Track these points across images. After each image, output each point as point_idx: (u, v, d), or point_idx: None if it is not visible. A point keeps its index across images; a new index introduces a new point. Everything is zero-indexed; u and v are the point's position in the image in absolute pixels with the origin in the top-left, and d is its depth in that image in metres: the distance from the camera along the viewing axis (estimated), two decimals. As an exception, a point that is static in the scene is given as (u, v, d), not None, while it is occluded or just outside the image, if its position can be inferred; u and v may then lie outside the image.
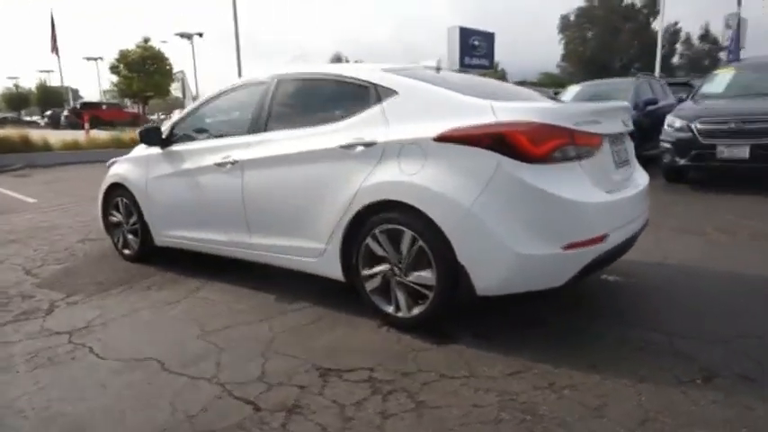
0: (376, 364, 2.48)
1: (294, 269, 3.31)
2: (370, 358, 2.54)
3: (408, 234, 2.67)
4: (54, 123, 29.44)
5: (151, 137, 3.96)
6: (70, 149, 13.68)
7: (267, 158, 3.24)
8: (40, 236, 5.52)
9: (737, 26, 13.25)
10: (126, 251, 4.44)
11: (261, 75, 3.58)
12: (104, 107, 28.80)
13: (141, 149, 4.31)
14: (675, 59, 50.03)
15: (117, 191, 4.41)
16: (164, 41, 20.25)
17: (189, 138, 3.93)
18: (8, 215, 6.77)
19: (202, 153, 3.70)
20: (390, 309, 2.83)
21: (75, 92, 54.42)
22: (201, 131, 3.93)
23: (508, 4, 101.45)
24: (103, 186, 4.56)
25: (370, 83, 2.94)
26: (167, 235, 4.06)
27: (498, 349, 2.56)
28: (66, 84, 37.68)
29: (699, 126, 6.16)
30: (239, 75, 18.56)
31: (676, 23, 48.93)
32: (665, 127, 6.50)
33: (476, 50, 17.88)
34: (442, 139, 2.55)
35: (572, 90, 9.70)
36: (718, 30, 44.67)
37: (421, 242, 2.63)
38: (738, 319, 2.81)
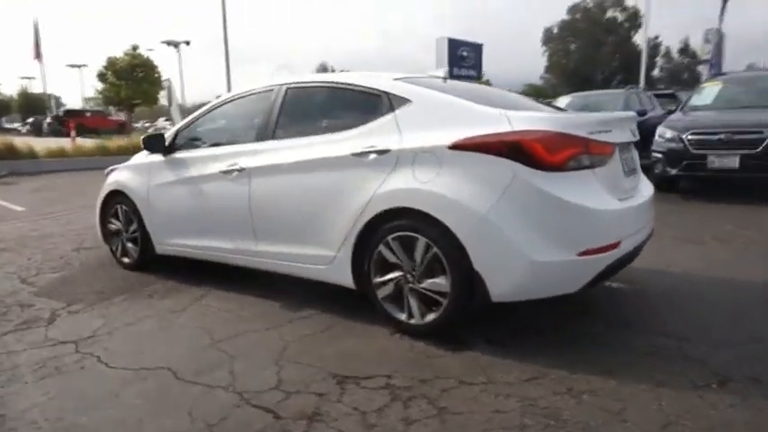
0: (392, 371, 2.47)
1: (302, 277, 3.30)
2: (385, 365, 2.53)
3: (422, 241, 2.68)
4: (36, 131, 28.96)
5: (154, 144, 3.93)
6: (56, 157, 13.45)
7: (276, 166, 3.24)
8: (32, 244, 5.41)
9: (720, 39, 13.62)
10: (125, 259, 4.37)
11: (267, 83, 3.58)
12: (88, 114, 28.45)
13: (142, 157, 4.27)
14: (656, 72, 51.08)
15: (116, 198, 4.36)
16: (150, 49, 20.01)
17: (192, 145, 3.91)
18: (-3, 223, 6.63)
19: (207, 160, 3.67)
20: (403, 316, 2.83)
21: (57, 99, 53.68)
22: (206, 139, 3.91)
23: (493, 16, 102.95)
24: (102, 194, 4.50)
25: (383, 91, 2.96)
26: (169, 243, 4.01)
27: (513, 355, 2.57)
28: (47, 91, 37.28)
29: (690, 137, 6.30)
30: (228, 83, 18.53)
31: (657, 37, 50.01)
32: (657, 138, 6.63)
33: (464, 61, 18.09)
34: (458, 147, 2.57)
35: (562, 101, 9.86)
36: (696, 44, 45.84)
37: (435, 249, 2.64)
38: (744, 325, 2.87)
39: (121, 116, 29.67)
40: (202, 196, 3.68)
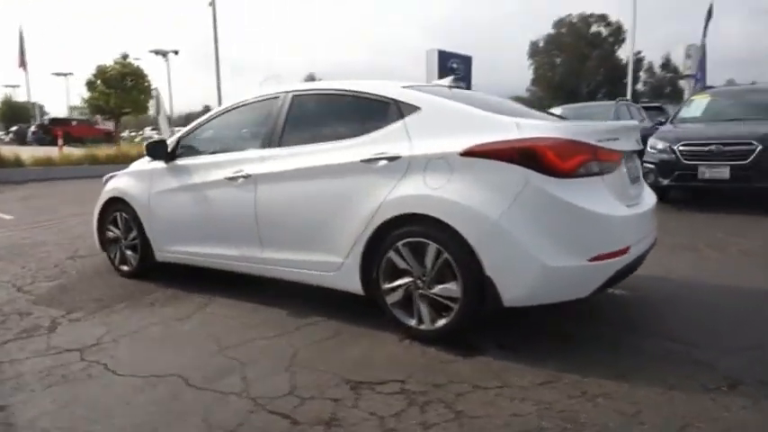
0: (406, 376, 2.47)
1: (309, 283, 3.30)
2: (398, 371, 2.53)
3: (433, 247, 2.70)
4: (19, 139, 28.54)
5: (157, 151, 3.91)
6: (43, 166, 13.27)
7: (283, 173, 3.24)
8: (24, 253, 5.32)
9: (703, 55, 13.97)
10: (123, 267, 4.32)
11: (272, 90, 3.59)
12: (74, 123, 28.16)
13: (143, 164, 4.24)
14: (639, 86, 52.04)
15: (115, 206, 4.31)
16: (137, 58, 19.90)
17: (195, 152, 3.90)
18: (-14, 232, 6.51)
19: (211, 167, 3.66)
20: (413, 322, 2.84)
21: (41, 108, 53.05)
22: (209, 146, 3.89)
23: (479, 29, 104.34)
24: (100, 201, 4.45)
25: (392, 99, 2.99)
26: (170, 250, 3.98)
27: (525, 360, 2.59)
28: (32, 99, 36.78)
29: (681, 148, 6.43)
30: (218, 93, 18.49)
31: (639, 53, 51.01)
32: (648, 149, 6.75)
33: (454, 73, 18.21)
34: (470, 153, 2.60)
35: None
36: (678, 59, 46.87)
37: (446, 255, 2.66)
38: (747, 330, 2.92)
39: (108, 125, 29.44)
40: (206, 203, 3.66)
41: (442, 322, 2.74)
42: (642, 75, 53.21)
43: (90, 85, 17.75)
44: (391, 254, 2.84)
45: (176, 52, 25.93)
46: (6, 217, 7.70)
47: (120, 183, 4.30)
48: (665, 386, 2.30)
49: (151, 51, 24.56)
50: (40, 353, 2.88)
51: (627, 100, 11.62)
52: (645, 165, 6.80)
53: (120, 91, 17.23)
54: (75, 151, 15.54)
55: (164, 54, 25.48)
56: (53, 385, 2.50)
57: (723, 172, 6.13)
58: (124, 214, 4.24)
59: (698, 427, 2.00)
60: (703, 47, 14.00)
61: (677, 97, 35.47)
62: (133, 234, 4.19)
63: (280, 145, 3.34)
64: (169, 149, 3.92)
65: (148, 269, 4.21)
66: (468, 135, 2.66)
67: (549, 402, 2.21)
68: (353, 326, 3.08)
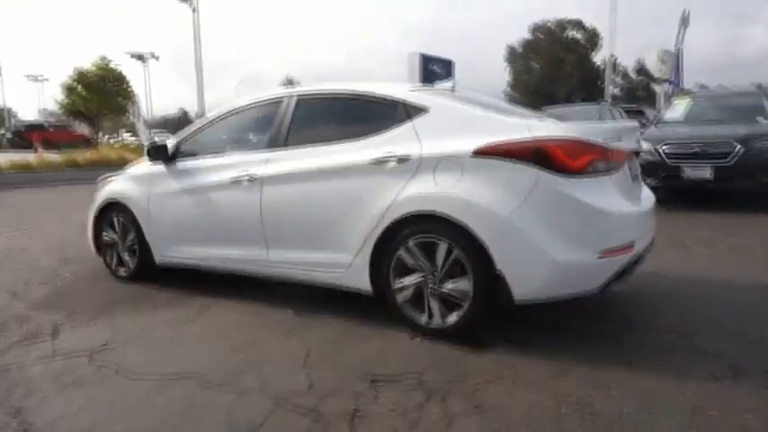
0: (421, 371, 2.51)
1: (316, 283, 3.32)
2: (413, 366, 2.57)
3: (444, 245, 2.75)
4: (-6, 145, 27.85)
5: (157, 153, 3.88)
6: (21, 171, 12.97)
7: (289, 174, 3.26)
8: (13, 258, 5.22)
9: (679, 60, 14.39)
10: (121, 271, 4.27)
11: (276, 92, 3.61)
12: (50, 128, 27.61)
13: (141, 166, 4.21)
14: (614, 90, 53.13)
15: (112, 209, 4.26)
16: (110, 60, 19.37)
17: (196, 154, 3.88)
18: (-31, 238, 6.35)
19: (214, 169, 3.66)
20: (423, 318, 2.88)
21: (9, 111, 51.76)
22: (211, 148, 3.88)
23: (456, 32, 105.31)
24: (95, 204, 4.39)
25: (400, 100, 3.03)
26: (171, 253, 3.95)
27: (534, 354, 2.65)
28: (1, 104, 35.89)
29: (665, 149, 6.62)
30: (199, 97, 18.32)
31: (613, 56, 52.16)
32: (633, 150, 6.93)
33: (435, 77, 18.39)
34: (481, 153, 2.66)
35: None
36: (652, 63, 48.00)
37: (457, 252, 2.71)
38: (744, 322, 3.03)
39: (84, 130, 28.89)
40: (209, 205, 3.65)
41: (452, 318, 2.79)
42: (617, 79, 54.35)
43: (69, 88, 17.38)
44: (401, 252, 2.88)
45: (155, 56, 25.75)
46: (-12, 223, 7.52)
47: (117, 186, 4.26)
48: (672, 375, 2.39)
49: (130, 55, 24.35)
50: (46, 357, 2.85)
51: (608, 102, 11.89)
52: (630, 166, 6.99)
53: (101, 95, 16.92)
54: (54, 156, 15.21)
55: (141, 57, 25.21)
56: (67, 389, 2.48)
57: (705, 172, 6.33)
58: (121, 217, 4.19)
59: (709, 413, 2.08)
60: (679, 52, 14.41)
61: (651, 101, 36.37)
62: (131, 237, 4.14)
63: (285, 146, 3.36)
64: (169, 152, 3.90)
65: (147, 273, 4.18)
66: (477, 136, 2.72)
67: (564, 393, 2.27)
68: (362, 324, 3.11)
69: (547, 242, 2.54)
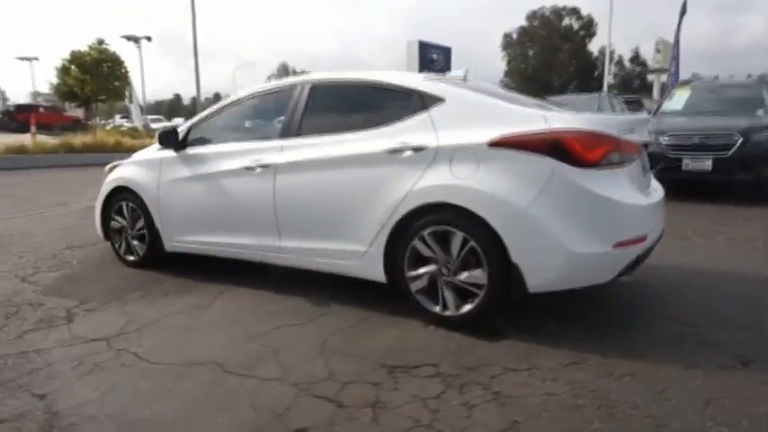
0: (438, 360, 2.56)
1: (329, 272, 3.35)
2: (429, 355, 2.62)
3: (459, 235, 2.78)
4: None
5: (169, 139, 3.88)
6: (15, 154, 12.82)
7: (304, 162, 3.27)
8: (17, 243, 5.20)
9: (677, 50, 14.40)
10: (129, 257, 4.29)
11: (289, 80, 3.61)
12: (42, 110, 27.25)
13: (150, 152, 4.20)
14: (609, 79, 53.13)
15: (121, 195, 4.26)
16: (102, 42, 18.77)
17: (208, 141, 3.88)
18: (-31, 222, 6.32)
19: (226, 156, 3.66)
20: (437, 308, 2.92)
21: (2, 93, 51.03)
22: (222, 135, 3.88)
23: (451, 19, 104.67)
24: (104, 190, 4.38)
25: (415, 90, 3.05)
26: (181, 240, 3.97)
27: (546, 343, 2.71)
28: (-7, 85, 35.23)
29: (666, 140, 6.68)
30: (197, 81, 18.14)
31: (608, 46, 52.08)
32: (634, 140, 6.98)
33: (434, 64, 18.34)
34: (497, 144, 2.69)
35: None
36: (646, 53, 48.08)
37: (472, 243, 2.75)
38: (747, 312, 3.10)
39: (77, 112, 28.53)
40: (221, 192, 3.66)
41: (467, 308, 2.84)
42: (612, 68, 54.34)
43: (64, 70, 17.12)
44: (416, 242, 2.92)
45: (149, 38, 25.39)
46: (-13, 207, 7.47)
47: (127, 172, 4.25)
48: (683, 365, 2.45)
49: (123, 37, 23.99)
50: (64, 343, 2.87)
51: (608, 92, 11.92)
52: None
53: (97, 77, 16.70)
54: (49, 139, 15.04)
55: (135, 40, 24.86)
56: (88, 374, 2.51)
57: (706, 164, 6.40)
58: (131, 204, 4.19)
59: (722, 402, 2.15)
60: (677, 42, 14.42)
61: (646, 90, 36.41)
62: (140, 224, 4.15)
63: (299, 135, 3.37)
64: (180, 138, 3.89)
65: (155, 259, 4.19)
66: (494, 126, 2.75)
67: (579, 382, 2.33)
68: (376, 313, 3.15)
69: (562, 233, 2.59)
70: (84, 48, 17.22)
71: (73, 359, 2.66)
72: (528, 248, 2.64)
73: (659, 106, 8.09)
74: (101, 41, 17.50)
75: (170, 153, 3.96)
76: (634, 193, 2.73)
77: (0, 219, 6.55)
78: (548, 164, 2.59)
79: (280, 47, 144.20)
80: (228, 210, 3.66)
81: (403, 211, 2.91)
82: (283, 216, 3.38)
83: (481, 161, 2.73)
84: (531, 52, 55.49)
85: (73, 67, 16.79)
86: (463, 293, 2.85)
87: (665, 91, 16.10)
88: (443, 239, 2.85)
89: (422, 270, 2.94)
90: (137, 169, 4.18)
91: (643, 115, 3.46)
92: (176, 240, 4.00)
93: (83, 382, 2.43)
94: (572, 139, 2.58)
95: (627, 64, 54.80)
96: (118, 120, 29.90)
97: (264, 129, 3.76)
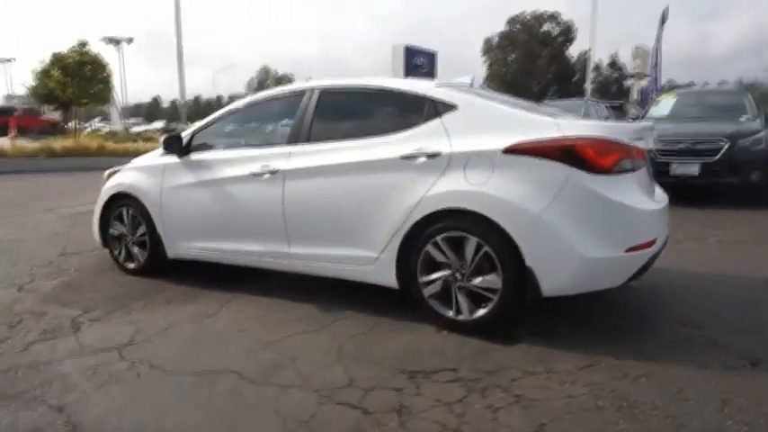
0: (456, 365, 2.59)
1: (339, 278, 3.35)
2: (446, 360, 2.64)
3: (473, 241, 2.81)
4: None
5: (173, 144, 3.84)
6: (-6, 158, 12.53)
7: (314, 168, 3.27)
8: (8, 250, 5.10)
9: (657, 57, 14.75)
10: (129, 264, 4.22)
11: (297, 86, 3.61)
12: (18, 113, 26.63)
13: (152, 158, 4.16)
14: (587, 84, 54.01)
15: (121, 201, 4.20)
16: (85, 44, 18.26)
17: (212, 147, 3.86)
18: (-45, 229, 6.16)
19: (233, 162, 3.64)
20: (450, 313, 2.95)
21: (-26, 96, 49.64)
22: (227, 141, 3.86)
23: (433, 23, 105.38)
24: (103, 196, 4.31)
25: (427, 97, 3.08)
26: (185, 247, 3.93)
27: (559, 347, 2.75)
28: (-35, 87, 34.32)
29: (655, 146, 6.82)
30: (181, 84, 17.93)
31: (587, 51, 53.02)
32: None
33: (419, 69, 18.44)
34: (512, 151, 2.73)
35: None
36: (624, 58, 49.05)
37: (487, 248, 2.78)
38: (747, 315, 3.18)
39: (54, 115, 27.94)
40: (227, 198, 3.64)
41: (480, 312, 2.87)
42: (590, 73, 55.25)
43: (45, 72, 16.75)
44: (429, 247, 2.94)
45: (130, 40, 25.04)
46: (-29, 213, 7.28)
47: (127, 177, 4.19)
48: (695, 366, 2.52)
49: (104, 39, 23.61)
50: (74, 353, 2.82)
51: (592, 98, 12.14)
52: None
53: (79, 80, 16.36)
54: (27, 143, 14.72)
55: (116, 42, 24.49)
56: (104, 384, 2.47)
57: (693, 168, 6.56)
58: (131, 210, 4.14)
59: (737, 401, 2.21)
60: (658, 50, 14.77)
61: (624, 96, 37.12)
62: (141, 230, 4.10)
63: (308, 141, 3.37)
64: (183, 143, 3.86)
65: (157, 267, 4.14)
66: (507, 133, 2.79)
67: (597, 384, 2.38)
68: (386, 318, 3.17)
69: (576, 238, 2.64)
70: (65, 50, 16.88)
71: (86, 370, 2.62)
72: (543, 253, 2.69)
73: (646, 112, 8.27)
74: (83, 43, 17.20)
75: (173, 159, 3.92)
76: (644, 199, 2.80)
77: (-14, 225, 6.40)
78: (562, 170, 2.64)
79: (261, 50, 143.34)
80: (235, 216, 3.63)
81: (416, 216, 2.94)
82: (292, 222, 3.38)
83: (496, 167, 2.77)
84: (511, 57, 56.11)
85: (55, 69, 16.44)
86: (476, 298, 2.89)
87: (646, 96, 16.47)
88: (457, 245, 2.88)
89: (435, 275, 2.96)
90: (138, 175, 4.13)
91: (649, 123, 3.54)
92: (179, 247, 3.95)
93: (100, 393, 2.40)
94: (586, 146, 2.63)
95: (605, 69, 55.74)
96: (96, 123, 29.35)
97: (271, 134, 3.74)
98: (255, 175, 3.47)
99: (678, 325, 3.04)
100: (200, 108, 75.99)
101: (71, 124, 23.15)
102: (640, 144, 2.90)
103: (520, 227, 2.70)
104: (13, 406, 2.29)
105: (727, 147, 6.43)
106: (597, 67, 56.14)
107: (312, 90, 3.48)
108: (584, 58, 51.64)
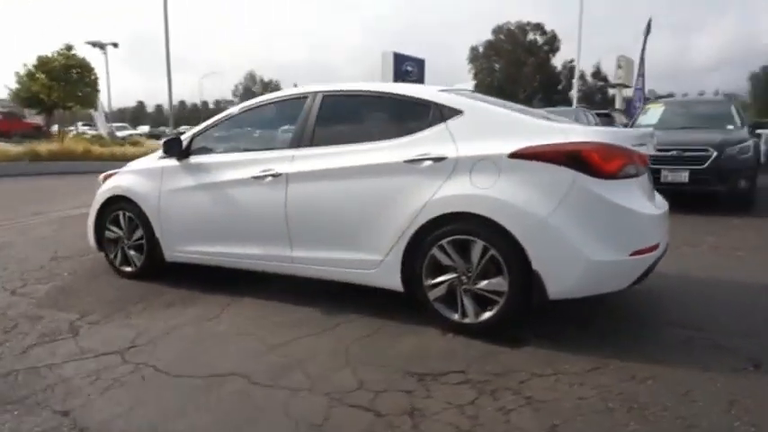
0: (464, 367, 2.59)
1: (343, 281, 3.34)
2: (455, 363, 2.64)
3: (480, 244, 2.83)
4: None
5: (173, 147, 3.80)
6: (-23, 162, 12.27)
7: (318, 171, 3.26)
8: (-2, 254, 4.99)
9: (643, 67, 15.05)
10: (125, 268, 4.16)
11: (299, 90, 3.61)
12: (0, 117, 26.14)
13: (149, 161, 4.12)
14: (573, 93, 54.81)
15: (116, 204, 4.15)
16: (71, 48, 18.09)
17: (212, 150, 3.83)
18: (-59, 232, 6.02)
19: (234, 166, 3.62)
20: (456, 316, 2.95)
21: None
22: (228, 144, 3.84)
23: (419, 31, 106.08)
24: (99, 199, 4.25)
25: (432, 102, 3.09)
26: (183, 250, 3.88)
27: (565, 349, 2.77)
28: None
29: (646, 153, 6.93)
30: (169, 88, 17.79)
31: (572, 61, 53.84)
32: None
33: (408, 75, 18.56)
34: (518, 155, 2.76)
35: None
36: (607, 68, 49.88)
37: (493, 251, 2.80)
38: (745, 319, 3.22)
39: (36, 119, 27.50)
40: (228, 201, 3.61)
41: (486, 315, 2.88)
42: (574, 81, 56.10)
43: (30, 76, 16.45)
44: (435, 251, 2.95)
45: (116, 45, 24.77)
46: (-44, 217, 7.12)
47: (124, 180, 4.14)
48: (699, 368, 2.55)
49: (88, 43, 23.31)
50: (74, 357, 2.77)
51: (584, 107, 12.33)
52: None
53: (65, 84, 16.09)
54: (10, 147, 14.46)
55: (101, 46, 24.21)
56: (109, 388, 2.43)
57: (683, 176, 6.68)
58: (128, 213, 4.08)
59: (744, 402, 2.24)
60: (643, 60, 15.06)
61: (608, 105, 37.75)
62: (138, 234, 4.05)
63: (311, 144, 3.36)
64: (183, 146, 3.83)
65: (153, 270, 4.08)
66: (513, 138, 2.82)
67: (606, 386, 2.40)
68: (392, 322, 3.16)
69: (582, 241, 2.66)
70: (51, 53, 16.65)
71: (88, 374, 2.57)
72: (549, 257, 2.71)
73: (634, 121, 8.41)
74: (69, 47, 16.96)
75: (172, 162, 3.88)
76: (648, 204, 2.84)
77: (-27, 229, 6.27)
78: (568, 175, 2.67)
79: (247, 55, 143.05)
80: (236, 219, 3.61)
81: (422, 220, 2.94)
82: (295, 225, 3.36)
83: (502, 172, 2.79)
84: (497, 66, 56.75)
85: (39, 73, 16.17)
86: (482, 301, 2.90)
87: (630, 105, 16.76)
88: (463, 248, 2.89)
89: (440, 278, 2.97)
90: (135, 178, 4.08)
91: (650, 130, 3.60)
92: (178, 250, 3.91)
93: (105, 397, 2.35)
94: (592, 152, 2.67)
95: (589, 79, 56.62)
96: (80, 127, 28.91)
97: (272, 138, 3.73)
98: (257, 179, 3.45)
99: (678, 328, 3.08)
100: (185, 113, 75.48)
101: (55, 128, 22.81)
102: (643, 150, 2.95)
103: (527, 230, 2.72)
104: (15, 411, 2.24)
105: (715, 155, 6.55)
106: (582, 77, 57.10)
107: (315, 94, 3.48)
108: (568, 67, 52.61)
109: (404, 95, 3.22)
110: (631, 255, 2.70)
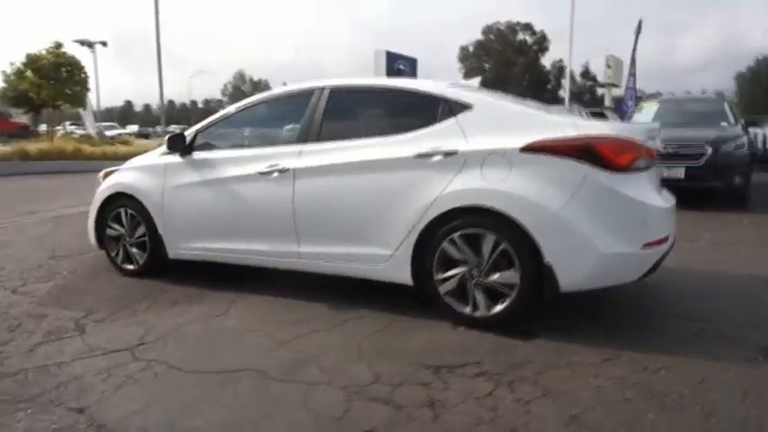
0: (479, 360, 2.59)
1: (352, 276, 3.33)
2: (469, 355, 2.65)
3: (491, 237, 2.83)
4: None
5: (176, 143, 3.77)
6: (-34, 161, 12.08)
7: (326, 166, 3.25)
8: (-5, 253, 4.91)
9: (633, 66, 15.19)
10: (127, 266, 4.11)
11: (305, 85, 3.59)
12: (-15, 116, 25.72)
13: (152, 158, 4.07)
14: (561, 93, 55.19)
15: (118, 201, 4.10)
16: (60, 46, 17.85)
17: (217, 146, 3.80)
18: (-66, 232, 5.91)
19: (238, 161, 3.59)
20: (467, 309, 2.96)
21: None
22: (233, 140, 3.81)
23: (409, 30, 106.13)
24: (99, 197, 4.20)
25: (441, 97, 3.09)
26: (187, 247, 3.85)
27: (577, 341, 2.78)
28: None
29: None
30: (160, 87, 17.63)
31: (561, 61, 54.21)
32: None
33: (401, 74, 18.55)
34: (530, 149, 2.77)
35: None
36: (596, 68, 50.28)
37: (504, 245, 2.81)
38: (751, 311, 3.25)
39: (23, 119, 27.10)
40: (233, 198, 3.59)
41: (498, 308, 2.88)
42: (564, 82, 56.49)
43: (18, 74, 16.20)
44: (446, 245, 2.95)
45: (104, 43, 24.49)
46: (-53, 216, 7.00)
47: (126, 177, 4.09)
48: (711, 358, 2.58)
49: (76, 41, 23.00)
50: (83, 354, 2.73)
51: (579, 105, 12.43)
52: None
53: (55, 82, 15.86)
54: (1, 146, 14.25)
55: (90, 45, 23.92)
56: (123, 386, 2.39)
57: (679, 172, 6.75)
58: (130, 210, 4.04)
59: (758, 391, 2.26)
60: (634, 60, 15.20)
61: (598, 104, 38.05)
62: (141, 231, 4.00)
63: (319, 140, 3.35)
64: (186, 142, 3.79)
65: (156, 268, 4.04)
66: (524, 132, 2.83)
67: (621, 377, 2.41)
68: (403, 317, 3.15)
69: (594, 234, 2.68)
70: (40, 51, 16.39)
71: (99, 371, 2.53)
72: (561, 249, 2.72)
73: (630, 119, 8.49)
74: (58, 45, 16.73)
75: (175, 158, 3.84)
76: (657, 197, 2.87)
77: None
78: (580, 168, 2.69)
79: (237, 54, 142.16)
80: (241, 215, 3.58)
81: (433, 214, 2.94)
82: (303, 221, 3.34)
83: (513, 165, 2.80)
84: (487, 65, 56.97)
85: (29, 71, 15.92)
86: (494, 294, 2.90)
87: (620, 105, 16.91)
88: (473, 242, 2.89)
89: (451, 272, 2.97)
90: (137, 175, 4.04)
91: (657, 125, 3.64)
92: (182, 247, 3.87)
93: (119, 394, 2.32)
94: (604, 145, 2.69)
95: (578, 78, 57.02)
96: (68, 127, 28.53)
97: (278, 133, 3.71)
98: (264, 174, 3.43)
99: (685, 320, 3.10)
100: (174, 112, 74.86)
101: (42, 127, 22.50)
102: (652, 144, 2.97)
103: (539, 223, 2.73)
104: (29, 410, 2.20)
105: (711, 151, 6.63)
106: (571, 76, 57.54)
107: (322, 89, 3.46)
108: (557, 67, 53.00)
109: (412, 90, 3.22)
110: (643, 247, 2.72)
